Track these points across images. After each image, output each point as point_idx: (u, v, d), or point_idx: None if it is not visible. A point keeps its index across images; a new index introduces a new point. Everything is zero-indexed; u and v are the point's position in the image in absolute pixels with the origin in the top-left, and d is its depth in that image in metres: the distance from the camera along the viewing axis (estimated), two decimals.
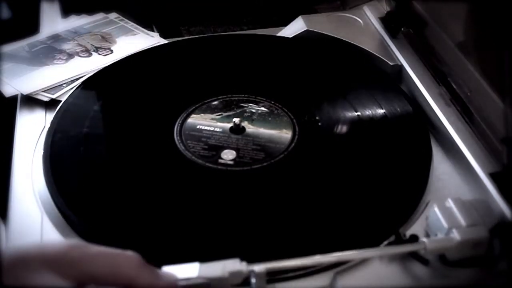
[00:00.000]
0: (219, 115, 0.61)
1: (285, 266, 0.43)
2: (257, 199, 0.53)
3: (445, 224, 0.45)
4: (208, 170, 0.55)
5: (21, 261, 0.37)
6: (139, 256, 0.41)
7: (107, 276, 0.39)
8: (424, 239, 0.45)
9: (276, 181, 0.55)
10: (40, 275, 0.37)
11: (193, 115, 0.61)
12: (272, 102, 0.64)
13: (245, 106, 0.63)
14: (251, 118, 0.61)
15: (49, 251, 0.39)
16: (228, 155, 0.56)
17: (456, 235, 0.45)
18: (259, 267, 0.42)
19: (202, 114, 0.61)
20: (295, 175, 0.55)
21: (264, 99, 0.64)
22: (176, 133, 0.59)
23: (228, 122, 0.60)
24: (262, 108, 0.63)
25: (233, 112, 0.62)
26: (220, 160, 0.56)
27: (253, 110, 0.62)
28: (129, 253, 0.41)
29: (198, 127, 0.60)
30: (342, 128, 0.61)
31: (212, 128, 0.60)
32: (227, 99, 0.64)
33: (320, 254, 0.44)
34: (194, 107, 0.62)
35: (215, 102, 0.63)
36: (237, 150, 0.57)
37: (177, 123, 0.61)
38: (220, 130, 0.60)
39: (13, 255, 0.38)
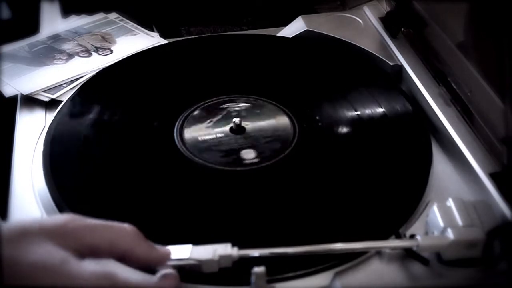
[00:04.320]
0: (210, 122, 0.61)
1: (274, 253, 0.44)
2: (257, 198, 0.53)
3: (441, 222, 0.45)
4: (210, 171, 0.55)
5: (21, 233, 0.38)
6: (136, 229, 0.42)
7: (105, 246, 0.40)
8: (418, 237, 0.45)
9: (276, 182, 0.55)
10: (39, 246, 0.37)
11: (186, 129, 0.60)
12: (269, 100, 0.63)
13: (226, 107, 0.62)
14: (240, 115, 0.61)
15: (48, 223, 0.40)
16: (248, 155, 0.56)
17: (450, 234, 0.45)
18: (259, 268, 0.42)
19: (193, 127, 0.60)
20: (295, 175, 0.55)
21: (261, 98, 0.64)
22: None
23: (224, 126, 0.60)
24: (243, 104, 0.63)
25: (220, 116, 0.62)
26: (244, 161, 0.56)
27: (237, 108, 0.62)
28: (127, 225, 0.42)
29: (200, 138, 0.59)
30: (342, 128, 0.61)
31: (214, 136, 0.60)
32: (208, 104, 0.63)
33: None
34: (181, 119, 0.61)
35: (197, 112, 0.62)
36: (253, 147, 0.57)
37: (177, 123, 0.60)
38: (223, 134, 0.59)
39: (12, 227, 0.39)
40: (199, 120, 0.61)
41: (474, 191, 0.53)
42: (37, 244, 0.38)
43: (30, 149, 0.58)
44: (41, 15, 0.80)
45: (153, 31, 0.77)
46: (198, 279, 0.45)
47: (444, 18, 0.65)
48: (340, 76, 0.68)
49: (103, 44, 0.73)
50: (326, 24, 0.75)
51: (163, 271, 0.42)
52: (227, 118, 0.61)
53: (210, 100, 0.64)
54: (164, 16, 0.82)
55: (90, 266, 0.38)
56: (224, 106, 0.63)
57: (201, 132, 0.60)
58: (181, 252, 0.43)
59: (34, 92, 0.64)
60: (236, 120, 0.60)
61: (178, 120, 0.61)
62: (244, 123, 0.60)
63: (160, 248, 0.43)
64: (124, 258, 0.41)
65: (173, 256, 0.43)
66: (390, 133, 0.59)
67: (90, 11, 0.79)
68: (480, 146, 0.55)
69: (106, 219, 0.50)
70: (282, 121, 0.61)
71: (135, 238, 0.41)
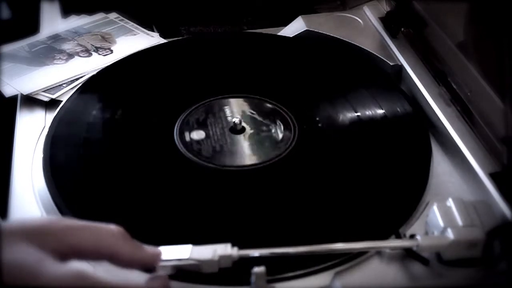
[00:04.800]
0: (210, 122, 0.61)
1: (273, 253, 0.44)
2: (258, 198, 0.53)
3: (441, 222, 0.45)
4: (210, 171, 0.55)
5: (1, 234, 0.38)
6: (122, 229, 0.42)
7: (90, 248, 0.40)
8: (418, 236, 0.45)
9: (276, 182, 0.55)
10: (17, 246, 0.37)
11: (186, 129, 0.60)
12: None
13: (226, 107, 0.63)
14: (240, 115, 0.61)
15: (29, 224, 0.40)
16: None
17: (450, 234, 0.45)
18: (259, 268, 0.42)
19: (193, 127, 0.60)
20: (295, 175, 0.55)
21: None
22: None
23: (224, 125, 0.60)
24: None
25: (220, 116, 0.61)
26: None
27: (237, 108, 0.62)
28: (112, 226, 0.41)
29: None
30: (342, 128, 0.61)
31: (214, 135, 0.59)
32: (208, 104, 0.63)
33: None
34: (181, 119, 0.61)
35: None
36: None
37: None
38: (223, 134, 0.59)
39: None
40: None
41: (474, 191, 0.53)
42: (15, 244, 0.37)
43: (30, 149, 0.58)
44: (41, 15, 0.80)
45: (153, 31, 0.77)
46: (198, 279, 0.45)
47: (444, 18, 0.65)
48: (340, 76, 0.68)
49: (103, 44, 0.73)
50: (326, 24, 0.75)
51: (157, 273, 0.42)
52: (227, 118, 0.61)
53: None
54: (164, 16, 0.82)
55: (66, 267, 0.38)
56: (224, 105, 0.63)
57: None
58: (181, 252, 0.43)
59: (34, 92, 0.64)
60: (236, 120, 0.60)
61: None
62: (244, 123, 0.60)
63: (148, 248, 0.42)
64: (111, 259, 0.41)
65: (172, 257, 0.43)
66: (390, 133, 0.59)
67: (90, 11, 0.79)
68: (480, 146, 0.55)
69: (106, 218, 0.50)
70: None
71: (121, 238, 0.41)
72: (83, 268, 0.39)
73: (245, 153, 0.57)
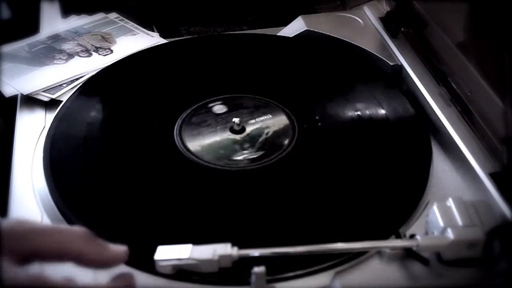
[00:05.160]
0: (210, 122, 0.61)
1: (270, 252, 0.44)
2: (258, 198, 0.53)
3: (441, 222, 0.45)
4: (211, 171, 0.55)
5: None
6: (87, 230, 0.42)
7: (53, 251, 0.40)
8: (418, 236, 0.45)
9: (276, 182, 0.55)
10: None
11: (186, 129, 0.60)
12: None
13: (226, 107, 0.62)
14: (240, 115, 0.61)
15: None
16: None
17: (450, 234, 0.45)
18: (259, 268, 0.42)
19: (193, 127, 0.60)
20: (295, 175, 0.55)
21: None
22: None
23: (224, 125, 0.60)
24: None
25: (220, 116, 0.61)
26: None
27: (237, 108, 0.62)
28: (76, 228, 0.42)
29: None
30: (342, 128, 0.61)
31: (214, 135, 0.59)
32: (208, 104, 0.63)
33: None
34: (181, 119, 0.61)
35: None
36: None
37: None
38: (223, 134, 0.59)
39: None
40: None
41: (474, 191, 0.53)
42: None
43: (30, 149, 0.58)
44: (41, 15, 0.80)
45: (153, 31, 0.77)
46: (198, 279, 0.45)
47: (444, 18, 0.65)
48: (340, 76, 0.68)
49: (103, 44, 0.73)
50: (326, 24, 0.75)
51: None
52: (227, 117, 0.61)
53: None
54: (164, 16, 0.82)
55: (24, 272, 0.38)
56: (224, 105, 0.63)
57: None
58: (181, 251, 0.43)
59: (34, 92, 0.64)
60: (236, 119, 0.60)
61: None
62: (244, 123, 0.60)
63: (114, 247, 0.42)
64: (76, 261, 0.41)
65: (173, 256, 0.43)
66: (390, 133, 0.59)
67: (90, 11, 0.79)
68: (480, 146, 0.55)
69: (106, 218, 0.50)
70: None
71: (85, 240, 0.41)
72: (42, 272, 0.39)
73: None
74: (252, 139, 0.59)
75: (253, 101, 0.64)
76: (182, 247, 0.44)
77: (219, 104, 0.62)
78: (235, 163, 0.56)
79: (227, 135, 0.59)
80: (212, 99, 0.64)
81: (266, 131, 0.60)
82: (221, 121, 0.61)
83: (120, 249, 0.42)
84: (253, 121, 0.61)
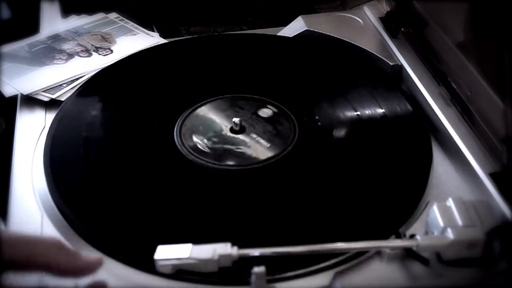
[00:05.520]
0: (210, 122, 0.61)
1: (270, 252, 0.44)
2: (258, 198, 0.53)
3: (441, 222, 0.46)
4: (211, 171, 0.55)
5: None
6: (58, 241, 0.42)
7: (22, 261, 0.40)
8: (418, 236, 0.45)
9: (276, 181, 0.55)
10: None
11: (186, 129, 0.60)
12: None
13: (226, 107, 0.63)
14: (240, 115, 0.61)
15: None
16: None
17: (450, 234, 0.45)
18: (259, 268, 0.42)
19: (193, 127, 0.60)
20: (295, 175, 0.55)
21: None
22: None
23: (224, 125, 0.60)
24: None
25: (220, 116, 0.61)
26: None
27: (237, 108, 0.62)
28: (48, 238, 0.43)
29: (200, 138, 0.59)
30: (342, 128, 0.61)
31: (214, 135, 0.59)
32: (208, 104, 0.63)
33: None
34: (181, 119, 0.61)
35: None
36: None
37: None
38: (223, 134, 0.59)
39: None
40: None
41: (474, 191, 0.53)
42: None
43: (30, 149, 0.58)
44: (41, 15, 0.80)
45: (153, 31, 0.77)
46: (198, 279, 0.45)
47: (444, 18, 0.65)
48: (340, 76, 0.68)
49: (103, 44, 0.73)
50: (326, 24, 0.75)
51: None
52: (227, 117, 0.61)
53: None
54: (164, 16, 0.82)
55: None
56: (224, 105, 0.63)
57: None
58: (181, 251, 0.43)
59: (34, 92, 0.64)
60: (236, 120, 0.60)
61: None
62: (244, 123, 0.60)
63: (87, 256, 0.43)
64: (46, 270, 0.41)
65: (173, 255, 0.43)
66: (390, 133, 0.59)
67: (90, 11, 0.79)
68: (480, 146, 0.55)
69: (106, 218, 0.50)
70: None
71: (56, 250, 0.41)
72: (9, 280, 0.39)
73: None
74: (252, 139, 0.59)
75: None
76: (182, 246, 0.44)
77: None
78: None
79: (228, 135, 0.59)
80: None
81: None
82: (222, 121, 0.61)
83: (93, 258, 0.43)
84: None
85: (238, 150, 0.57)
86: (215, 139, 0.59)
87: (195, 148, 0.57)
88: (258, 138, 0.59)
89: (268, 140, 0.59)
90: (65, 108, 0.62)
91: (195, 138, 0.59)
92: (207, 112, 0.62)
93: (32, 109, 0.63)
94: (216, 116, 0.62)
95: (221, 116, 0.62)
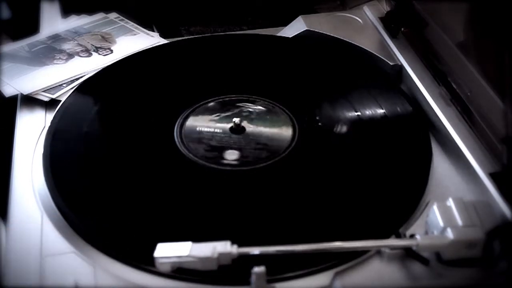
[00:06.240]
0: (217, 116, 0.61)
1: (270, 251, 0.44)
2: (259, 198, 0.53)
3: (441, 222, 0.46)
4: (212, 171, 0.55)
5: None
6: None
7: None
8: (418, 236, 0.45)
9: (276, 181, 0.55)
10: None
11: (191, 117, 0.61)
12: (269, 100, 0.63)
13: (242, 106, 0.63)
14: (249, 117, 0.61)
15: None
16: (231, 155, 0.57)
17: (450, 234, 0.45)
18: (259, 268, 0.42)
19: (200, 116, 0.61)
20: (295, 175, 0.55)
21: (261, 98, 0.64)
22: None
23: (227, 123, 0.60)
24: (259, 107, 0.63)
25: (231, 113, 0.62)
26: (223, 161, 0.56)
27: (251, 110, 0.62)
28: None
29: (197, 129, 0.60)
30: (342, 128, 0.61)
31: (212, 130, 0.60)
32: (226, 99, 0.64)
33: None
34: (191, 109, 0.62)
35: (212, 103, 0.63)
36: (239, 150, 0.57)
37: (177, 123, 0.61)
38: (220, 131, 0.60)
39: None
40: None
41: (474, 191, 0.53)
42: None
43: (30, 149, 0.58)
44: (41, 15, 0.80)
45: (153, 31, 0.77)
46: (198, 279, 0.45)
47: (444, 18, 0.65)
48: (340, 76, 0.68)
49: (103, 44, 0.73)
50: (326, 24, 0.75)
51: None
52: (227, 118, 0.61)
53: (209, 100, 0.64)
54: (164, 16, 0.82)
55: None
56: (223, 105, 0.63)
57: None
58: (180, 249, 0.43)
59: (34, 92, 0.64)
60: (236, 120, 0.60)
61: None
62: (244, 123, 0.60)
63: None
64: None
65: (171, 254, 0.43)
66: (390, 133, 0.59)
67: (90, 11, 0.79)
68: (480, 146, 0.55)
69: (106, 217, 0.50)
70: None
71: None
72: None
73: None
74: (252, 139, 0.59)
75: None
76: (182, 244, 0.44)
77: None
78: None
79: (228, 135, 0.59)
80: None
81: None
82: (222, 121, 0.61)
83: None
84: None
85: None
86: (215, 139, 0.59)
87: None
88: (259, 138, 0.59)
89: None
90: (64, 107, 0.62)
91: (195, 138, 0.59)
92: (207, 112, 0.62)
93: (32, 109, 0.63)
94: (216, 116, 0.62)
95: (221, 116, 0.62)
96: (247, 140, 0.59)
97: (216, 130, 0.60)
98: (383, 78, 0.67)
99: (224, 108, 0.63)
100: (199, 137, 0.59)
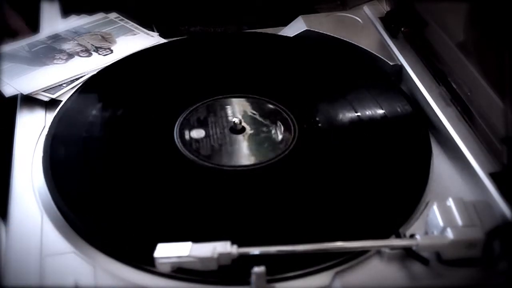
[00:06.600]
0: (210, 122, 0.61)
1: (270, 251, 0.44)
2: (259, 198, 0.53)
3: (441, 222, 0.46)
4: (212, 171, 0.55)
5: None
6: None
7: None
8: (418, 236, 0.45)
9: (276, 181, 0.55)
10: None
11: (186, 129, 0.60)
12: (269, 100, 0.63)
13: (226, 107, 0.63)
14: (249, 117, 0.61)
15: None
16: (197, 134, 0.57)
17: (450, 234, 0.45)
18: (259, 268, 0.42)
19: (193, 127, 0.60)
20: (295, 175, 0.55)
21: (261, 97, 0.64)
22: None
23: (224, 125, 0.60)
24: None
25: (220, 116, 0.61)
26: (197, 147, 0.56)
27: (237, 108, 0.62)
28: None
29: (200, 138, 0.59)
30: (342, 128, 0.61)
31: (214, 135, 0.59)
32: (226, 99, 0.64)
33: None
34: (191, 109, 0.62)
35: (212, 103, 0.63)
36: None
37: (177, 123, 0.61)
38: (223, 134, 0.59)
39: None
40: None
41: (474, 191, 0.53)
42: None
43: (30, 149, 0.58)
44: (41, 15, 0.80)
45: (153, 31, 0.77)
46: (198, 279, 0.45)
47: (444, 18, 0.65)
48: (340, 76, 0.68)
49: (103, 44, 0.73)
50: (326, 24, 0.75)
51: None
52: (227, 117, 0.61)
53: (209, 99, 0.64)
54: (164, 16, 0.82)
55: None
56: (224, 105, 0.63)
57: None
58: (180, 249, 0.43)
59: (34, 92, 0.64)
60: (236, 119, 0.60)
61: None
62: (244, 123, 0.60)
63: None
64: None
65: (172, 254, 0.43)
66: (390, 133, 0.59)
67: (90, 11, 0.79)
68: (480, 146, 0.55)
69: (106, 217, 0.50)
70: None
71: None
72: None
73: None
74: (251, 139, 0.59)
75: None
76: (182, 244, 0.44)
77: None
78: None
79: (228, 135, 0.59)
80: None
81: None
82: (221, 120, 0.61)
83: None
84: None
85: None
86: (215, 139, 0.59)
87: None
88: (259, 138, 0.59)
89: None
90: (65, 108, 0.62)
91: (195, 137, 0.59)
92: (206, 112, 0.62)
93: (32, 109, 0.63)
94: (216, 116, 0.62)
95: (221, 116, 0.62)
96: (247, 139, 0.59)
97: (216, 130, 0.60)
98: (383, 78, 0.67)
99: (224, 108, 0.63)
100: (206, 146, 0.58)
